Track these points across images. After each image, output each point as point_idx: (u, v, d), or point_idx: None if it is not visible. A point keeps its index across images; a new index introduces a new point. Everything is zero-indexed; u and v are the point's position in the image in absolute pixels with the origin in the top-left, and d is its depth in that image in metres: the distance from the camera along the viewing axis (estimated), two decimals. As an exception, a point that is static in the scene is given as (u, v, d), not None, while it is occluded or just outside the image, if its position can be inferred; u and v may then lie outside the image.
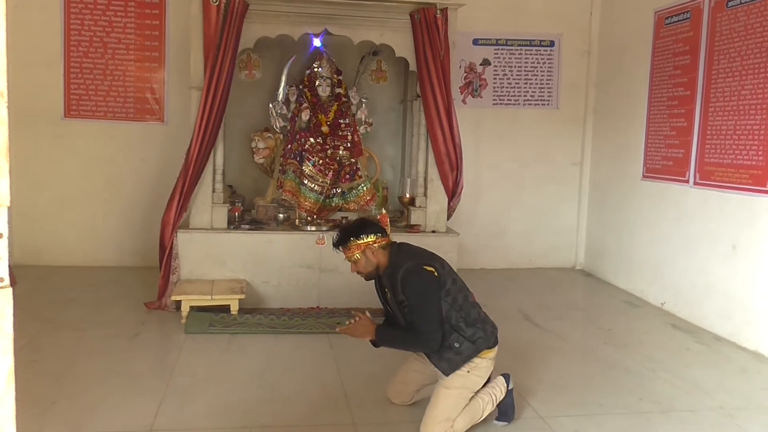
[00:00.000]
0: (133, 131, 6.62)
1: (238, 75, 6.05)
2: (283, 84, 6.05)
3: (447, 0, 5.43)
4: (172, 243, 5.20)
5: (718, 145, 5.15)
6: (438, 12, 5.39)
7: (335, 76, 5.96)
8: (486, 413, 3.32)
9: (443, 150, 5.61)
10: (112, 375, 3.87)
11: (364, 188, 5.87)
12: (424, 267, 3.17)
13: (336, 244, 3.32)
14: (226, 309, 4.99)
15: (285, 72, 6.06)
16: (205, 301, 4.92)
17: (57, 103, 6.47)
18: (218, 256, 5.30)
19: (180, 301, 4.92)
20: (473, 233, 7.09)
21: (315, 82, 5.86)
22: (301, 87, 5.92)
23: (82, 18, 6.42)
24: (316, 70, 5.89)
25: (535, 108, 7.27)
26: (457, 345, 3.16)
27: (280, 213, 5.74)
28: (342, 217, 5.77)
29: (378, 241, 3.26)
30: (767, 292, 4.64)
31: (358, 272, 3.34)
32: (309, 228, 5.49)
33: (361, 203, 5.86)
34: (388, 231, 3.34)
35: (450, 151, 5.62)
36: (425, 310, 3.12)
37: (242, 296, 4.99)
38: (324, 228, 5.50)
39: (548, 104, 7.29)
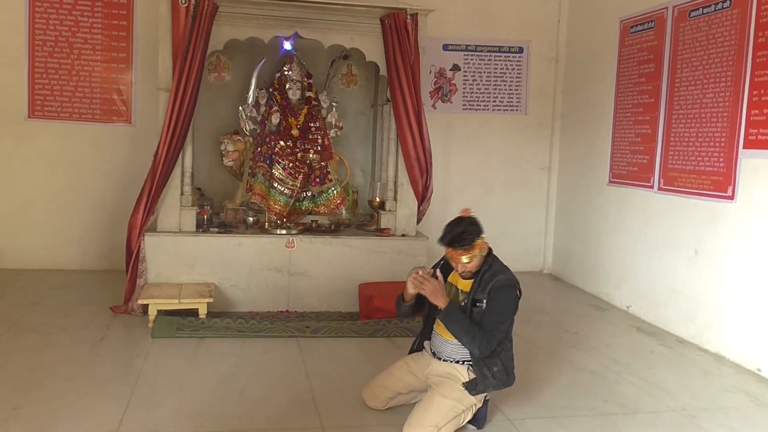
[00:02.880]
0: (99, 133, 6.52)
1: (207, 77, 6.00)
2: (253, 87, 6.02)
3: (417, 5, 5.47)
4: (139, 246, 5.13)
5: (682, 151, 5.27)
6: (408, 17, 5.42)
7: (305, 79, 5.96)
8: (466, 421, 3.36)
9: (413, 154, 5.63)
10: (77, 380, 3.80)
11: (334, 192, 5.87)
12: (519, 285, 3.32)
13: (460, 244, 3.25)
14: (194, 313, 4.94)
15: (255, 75, 6.03)
16: (173, 304, 4.87)
17: (21, 103, 6.35)
18: (186, 260, 5.25)
19: (147, 305, 4.87)
20: (442, 237, 7.12)
21: (285, 86, 5.86)
22: (271, 90, 5.91)
23: (47, 17, 6.31)
24: (286, 73, 5.88)
25: (504, 114, 7.35)
26: (495, 369, 3.25)
27: (249, 216, 5.71)
28: (312, 221, 5.76)
29: (481, 246, 3.31)
30: (729, 296, 4.76)
31: (464, 271, 3.33)
32: (278, 231, 5.47)
33: (331, 207, 5.86)
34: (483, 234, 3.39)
35: (420, 155, 5.65)
36: (503, 321, 3.25)
37: (210, 300, 4.95)
38: (293, 231, 5.48)
39: (517, 110, 7.37)
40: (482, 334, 3.19)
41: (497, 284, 3.23)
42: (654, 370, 4.45)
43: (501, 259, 3.43)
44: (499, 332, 3.23)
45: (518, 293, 3.33)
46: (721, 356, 4.77)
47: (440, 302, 3.25)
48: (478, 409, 3.38)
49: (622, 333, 5.35)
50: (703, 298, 5.00)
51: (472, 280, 3.33)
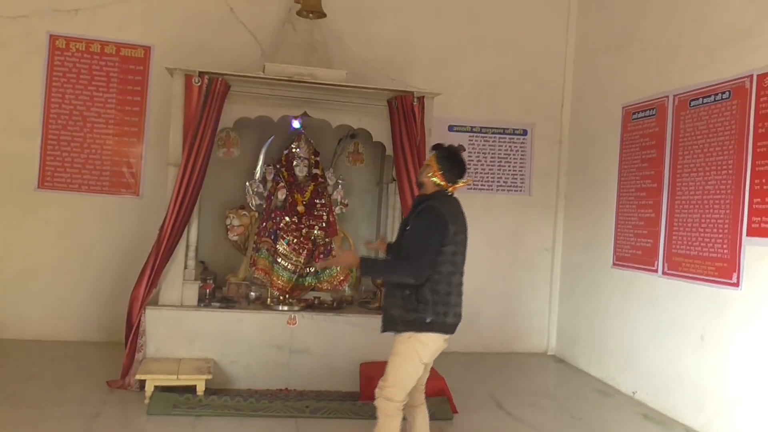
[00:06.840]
0: (107, 204, 6.58)
1: (216, 152, 6.08)
2: (260, 162, 6.10)
3: (424, 89, 5.61)
4: (140, 319, 5.10)
5: (685, 236, 5.28)
6: (415, 100, 5.55)
7: (313, 156, 6.06)
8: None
9: (417, 233, 5.64)
10: (68, 458, 3.72)
11: (338, 269, 5.86)
12: (446, 216, 3.35)
13: (434, 147, 3.70)
14: (192, 389, 4.85)
15: (263, 151, 6.13)
16: (171, 380, 4.79)
17: (31, 173, 6.43)
18: (187, 334, 5.20)
19: (144, 380, 4.79)
20: (445, 316, 7.05)
21: (292, 162, 5.94)
22: (278, 166, 6.00)
23: (63, 91, 6.48)
24: (294, 150, 5.98)
25: (507, 194, 7.42)
26: (407, 292, 3.32)
27: (251, 291, 5.69)
28: (314, 297, 5.73)
29: (439, 177, 3.50)
30: (737, 384, 4.67)
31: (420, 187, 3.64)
32: (281, 307, 5.44)
33: (335, 283, 5.85)
34: (459, 184, 3.55)
35: (424, 234, 5.66)
36: (425, 241, 3.31)
37: (209, 376, 4.87)
38: (296, 307, 5.45)
39: (521, 190, 7.45)
40: (404, 261, 3.31)
41: (421, 209, 3.40)
42: (662, 462, 4.32)
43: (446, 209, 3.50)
44: (419, 253, 3.28)
45: (439, 216, 3.34)
46: (730, 448, 4.64)
47: (353, 264, 3.47)
48: None
49: (629, 420, 5.22)
50: (711, 385, 4.90)
51: None
